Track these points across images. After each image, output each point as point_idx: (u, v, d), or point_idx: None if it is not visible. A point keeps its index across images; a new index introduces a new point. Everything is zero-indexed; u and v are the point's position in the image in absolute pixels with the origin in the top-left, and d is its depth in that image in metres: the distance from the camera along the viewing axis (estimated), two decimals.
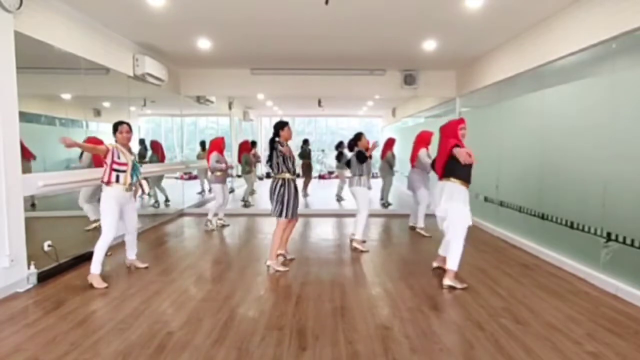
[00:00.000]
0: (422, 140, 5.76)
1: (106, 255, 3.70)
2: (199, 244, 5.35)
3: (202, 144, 9.85)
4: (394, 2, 4.15)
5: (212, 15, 4.56)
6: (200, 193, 9.47)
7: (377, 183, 8.16)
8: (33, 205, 3.92)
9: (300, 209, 4.22)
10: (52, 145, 4.22)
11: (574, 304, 3.23)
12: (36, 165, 3.87)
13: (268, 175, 11.87)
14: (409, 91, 7.50)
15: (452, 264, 3.57)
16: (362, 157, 4.85)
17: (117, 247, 4.50)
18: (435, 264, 4.04)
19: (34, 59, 3.96)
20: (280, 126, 4.12)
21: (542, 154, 4.71)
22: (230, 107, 10.85)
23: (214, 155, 6.06)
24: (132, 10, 4.37)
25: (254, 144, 9.39)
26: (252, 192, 9.03)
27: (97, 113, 5.27)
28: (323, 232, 6.13)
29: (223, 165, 6.03)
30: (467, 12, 4.34)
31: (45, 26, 3.90)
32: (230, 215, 7.04)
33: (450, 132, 3.63)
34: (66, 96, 4.73)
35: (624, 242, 3.46)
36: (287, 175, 4.06)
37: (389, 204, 8.36)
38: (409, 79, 7.28)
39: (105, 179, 3.64)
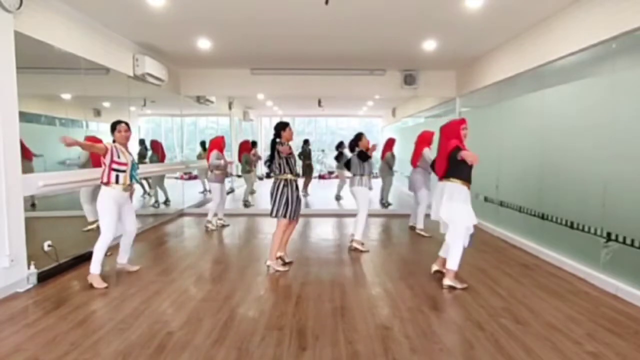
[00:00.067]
0: (424, 140, 5.77)
1: (106, 255, 3.70)
2: (199, 244, 5.35)
3: (203, 143, 9.86)
4: (394, 2, 4.15)
5: (212, 15, 4.56)
6: (203, 192, 9.50)
7: (377, 183, 8.16)
8: (33, 205, 3.92)
9: (301, 209, 4.22)
10: (52, 145, 4.23)
11: (574, 304, 3.23)
12: (37, 165, 3.87)
13: (268, 175, 11.87)
14: (409, 91, 7.50)
15: (452, 264, 3.57)
16: (364, 157, 4.86)
17: (117, 247, 4.49)
18: (435, 268, 3.91)
19: (34, 59, 3.95)
20: (282, 127, 4.11)
21: (542, 154, 4.71)
22: (230, 107, 10.85)
23: (214, 153, 6.07)
24: (132, 10, 4.37)
25: (254, 144, 9.40)
26: (252, 191, 9.04)
27: (97, 113, 5.27)
28: (323, 232, 6.13)
29: (222, 162, 6.03)
30: (467, 12, 4.34)
31: (45, 26, 3.90)
32: (230, 215, 7.04)
33: (452, 132, 3.62)
34: (66, 96, 4.73)
35: (624, 242, 3.46)
36: (289, 176, 4.06)
37: (389, 204, 8.36)
38: (409, 79, 7.29)
39: (105, 179, 3.61)
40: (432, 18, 4.62)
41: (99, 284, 3.56)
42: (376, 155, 5.97)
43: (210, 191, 6.86)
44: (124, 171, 3.65)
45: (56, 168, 4.21)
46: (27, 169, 3.62)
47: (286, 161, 4.04)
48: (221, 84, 7.60)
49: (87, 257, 3.97)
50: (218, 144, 6.21)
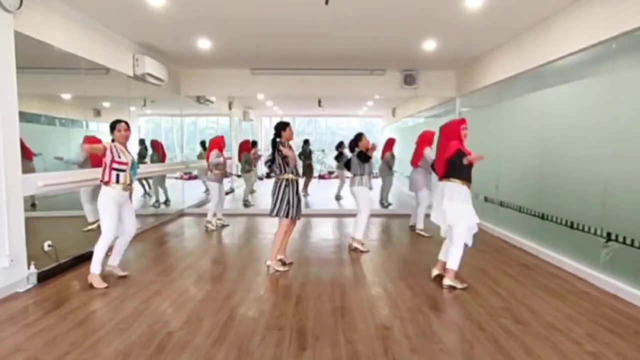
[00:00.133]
0: (425, 139, 5.77)
1: (106, 255, 3.68)
2: (199, 244, 5.35)
3: (203, 143, 9.86)
4: (394, 2, 4.15)
5: (212, 15, 4.56)
6: (205, 192, 9.50)
7: (377, 183, 8.16)
8: (33, 205, 3.91)
9: (301, 209, 4.22)
10: (52, 145, 4.23)
11: (574, 304, 3.23)
12: (37, 164, 3.87)
13: (268, 175, 11.87)
14: (409, 91, 7.50)
15: (453, 264, 3.56)
16: (365, 157, 4.85)
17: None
18: (435, 272, 3.80)
19: (34, 59, 3.95)
20: (282, 127, 4.11)
21: (542, 154, 4.71)
22: (230, 107, 10.85)
23: (214, 152, 6.07)
24: (132, 10, 4.37)
25: (254, 143, 9.41)
26: (252, 191, 9.05)
27: (97, 113, 5.27)
28: (323, 232, 6.14)
29: (221, 159, 6.03)
30: (467, 12, 4.34)
31: (45, 26, 3.90)
32: (230, 215, 7.05)
33: (452, 132, 3.62)
34: (66, 96, 4.73)
35: (624, 242, 3.46)
36: (291, 176, 4.06)
37: (389, 204, 8.36)
38: (409, 79, 7.28)
39: (106, 179, 3.60)
40: (432, 18, 4.62)
41: (99, 283, 3.56)
42: (376, 155, 5.97)
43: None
44: (124, 170, 3.64)
45: (54, 163, 4.20)
46: (27, 168, 3.62)
47: (288, 161, 4.04)
48: (221, 84, 7.60)
49: (87, 257, 3.97)
50: (218, 143, 6.22)
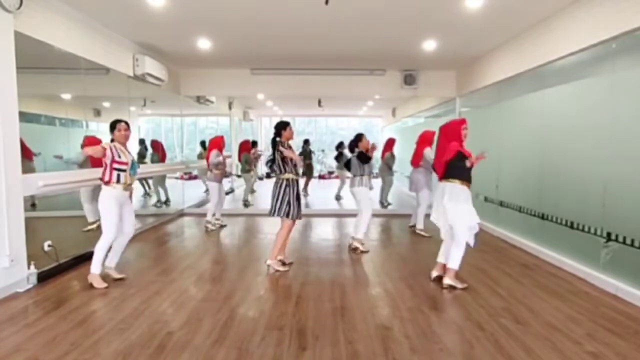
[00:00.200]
0: (425, 139, 5.77)
1: (106, 255, 3.68)
2: (199, 244, 5.34)
3: (203, 143, 9.85)
4: (394, 2, 4.15)
5: (212, 15, 4.56)
6: (206, 192, 9.50)
7: (377, 183, 8.16)
8: (33, 205, 3.91)
9: (301, 208, 4.22)
10: (52, 145, 4.23)
11: (574, 304, 3.23)
12: (38, 164, 3.86)
13: (268, 175, 11.88)
14: (409, 91, 7.50)
15: (454, 263, 3.56)
16: (365, 158, 4.85)
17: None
18: (434, 274, 3.80)
19: (34, 59, 3.95)
20: (282, 126, 4.10)
21: (542, 154, 4.71)
22: (230, 107, 10.85)
23: (214, 152, 6.07)
24: (132, 10, 4.37)
25: (254, 143, 9.41)
26: (252, 191, 9.04)
27: (97, 113, 5.27)
28: (323, 232, 6.13)
29: (221, 158, 6.03)
30: (467, 12, 4.34)
31: (45, 26, 3.90)
32: (230, 215, 7.05)
33: (452, 132, 3.62)
34: (66, 96, 4.73)
35: (624, 242, 3.46)
36: (291, 176, 4.06)
37: (389, 204, 8.36)
38: (409, 79, 7.28)
39: (107, 179, 3.59)
40: (432, 18, 4.62)
41: (99, 283, 3.55)
42: (376, 155, 5.97)
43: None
44: (124, 170, 3.63)
45: (54, 163, 4.20)
46: (27, 168, 3.62)
47: (290, 161, 4.04)
48: (221, 84, 7.60)
49: (87, 257, 3.97)
50: (218, 143, 6.22)
